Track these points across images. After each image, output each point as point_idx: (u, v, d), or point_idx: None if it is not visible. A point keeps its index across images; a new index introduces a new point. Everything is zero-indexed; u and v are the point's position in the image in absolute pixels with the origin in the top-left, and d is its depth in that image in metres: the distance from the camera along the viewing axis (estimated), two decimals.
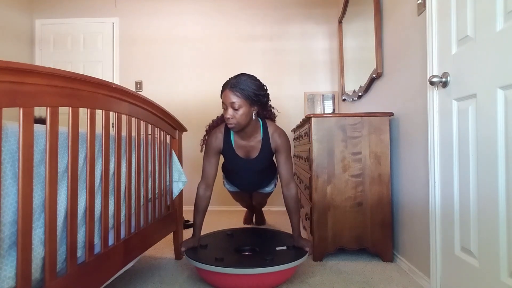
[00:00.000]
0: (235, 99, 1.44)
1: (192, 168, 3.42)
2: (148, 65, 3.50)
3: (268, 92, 1.59)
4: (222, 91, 1.50)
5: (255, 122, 1.58)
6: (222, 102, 1.50)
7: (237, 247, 1.56)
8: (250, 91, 1.46)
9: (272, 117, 1.73)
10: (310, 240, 1.65)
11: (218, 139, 1.62)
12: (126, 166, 1.22)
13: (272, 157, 1.71)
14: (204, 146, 1.69)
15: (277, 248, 1.51)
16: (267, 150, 1.62)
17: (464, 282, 1.15)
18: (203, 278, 1.46)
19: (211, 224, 2.67)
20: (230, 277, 1.31)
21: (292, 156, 3.36)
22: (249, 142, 1.62)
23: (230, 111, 1.46)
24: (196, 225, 1.60)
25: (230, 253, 1.48)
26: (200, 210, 1.61)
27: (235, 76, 1.50)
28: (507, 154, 0.95)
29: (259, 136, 1.61)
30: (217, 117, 1.75)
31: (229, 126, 1.50)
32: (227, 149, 1.63)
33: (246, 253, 1.53)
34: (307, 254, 1.45)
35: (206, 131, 1.74)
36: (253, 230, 1.85)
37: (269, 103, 1.65)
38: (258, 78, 1.56)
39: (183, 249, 1.50)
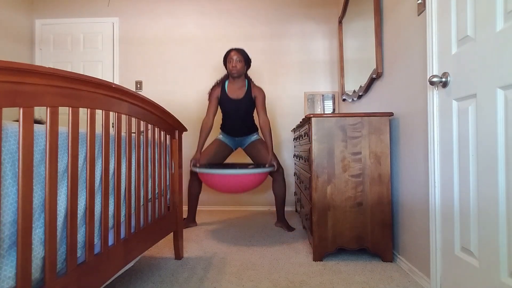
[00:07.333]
0: (239, 56, 2.38)
1: None
2: (148, 65, 3.50)
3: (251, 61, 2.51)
4: (229, 52, 2.40)
5: (244, 78, 2.48)
6: (229, 59, 2.38)
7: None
8: (245, 55, 2.44)
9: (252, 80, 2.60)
10: (277, 160, 2.38)
11: (217, 88, 2.50)
12: (126, 166, 1.22)
13: (253, 104, 2.48)
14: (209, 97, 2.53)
15: (249, 166, 2.47)
16: (249, 95, 2.46)
17: (464, 282, 1.15)
18: (203, 181, 2.19)
19: (212, 223, 2.68)
20: (216, 177, 2.06)
21: (293, 156, 3.37)
22: (238, 89, 2.46)
23: (235, 63, 2.36)
24: (199, 144, 2.42)
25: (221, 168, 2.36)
26: (203, 133, 2.44)
27: (235, 48, 2.44)
28: (507, 154, 0.95)
29: (245, 87, 2.47)
30: (217, 81, 2.57)
31: (233, 71, 2.37)
32: (222, 94, 2.47)
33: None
34: (270, 168, 2.20)
35: (209, 90, 2.53)
36: (242, 164, 2.63)
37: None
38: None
39: (193, 162, 2.35)
